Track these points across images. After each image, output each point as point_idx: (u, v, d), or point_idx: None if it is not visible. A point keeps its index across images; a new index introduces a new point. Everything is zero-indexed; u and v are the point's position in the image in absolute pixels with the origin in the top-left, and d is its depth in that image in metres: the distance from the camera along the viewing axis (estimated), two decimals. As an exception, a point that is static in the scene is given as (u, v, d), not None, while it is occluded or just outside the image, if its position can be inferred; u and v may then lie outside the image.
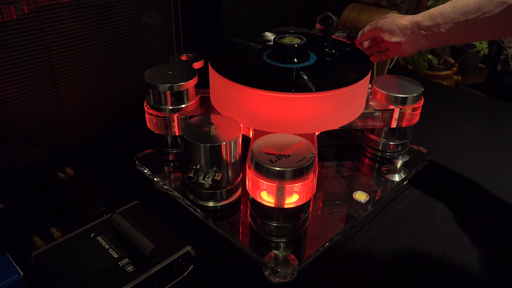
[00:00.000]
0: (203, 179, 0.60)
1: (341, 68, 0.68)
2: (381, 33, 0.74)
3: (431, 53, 1.64)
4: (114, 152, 0.83)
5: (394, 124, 0.72)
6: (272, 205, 0.57)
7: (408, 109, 0.71)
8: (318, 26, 0.82)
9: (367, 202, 0.67)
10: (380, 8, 0.95)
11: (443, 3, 1.47)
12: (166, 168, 0.74)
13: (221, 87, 0.65)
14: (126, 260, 0.55)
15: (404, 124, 0.72)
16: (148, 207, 0.65)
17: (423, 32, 0.69)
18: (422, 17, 0.69)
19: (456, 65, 1.67)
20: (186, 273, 0.59)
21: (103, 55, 0.86)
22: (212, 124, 0.62)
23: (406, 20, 0.71)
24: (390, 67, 1.22)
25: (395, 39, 0.72)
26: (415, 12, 1.61)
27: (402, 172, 0.74)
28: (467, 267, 0.62)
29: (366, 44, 0.79)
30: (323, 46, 0.70)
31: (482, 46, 1.54)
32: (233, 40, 0.76)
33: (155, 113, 0.69)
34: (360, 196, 0.68)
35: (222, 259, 0.62)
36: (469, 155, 0.87)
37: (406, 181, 0.75)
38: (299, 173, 0.54)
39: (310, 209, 0.63)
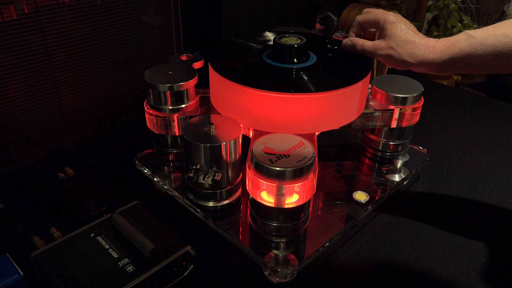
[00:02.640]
0: (203, 179, 0.60)
1: (341, 68, 0.68)
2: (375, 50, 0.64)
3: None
4: (114, 152, 0.83)
5: (394, 124, 0.72)
6: (272, 205, 0.57)
7: (408, 109, 0.71)
8: (318, 26, 0.82)
9: (367, 202, 0.67)
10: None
11: (443, 2, 1.47)
12: (166, 168, 0.74)
13: (221, 87, 0.65)
14: (126, 260, 0.55)
15: (404, 124, 0.72)
16: (148, 207, 0.65)
17: (431, 67, 0.60)
18: (436, 55, 0.58)
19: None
20: (186, 273, 0.59)
21: (103, 55, 0.86)
22: (212, 124, 0.62)
23: (413, 57, 0.60)
24: (390, 67, 1.21)
25: (390, 64, 0.64)
26: (414, 12, 1.61)
27: (402, 172, 0.74)
28: (467, 267, 0.62)
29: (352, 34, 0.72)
30: (325, 43, 0.70)
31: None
32: (233, 40, 0.76)
33: (155, 113, 0.69)
34: (360, 196, 0.68)
35: (222, 259, 0.62)
36: (469, 155, 0.87)
37: (406, 181, 0.75)
38: (299, 173, 0.54)
39: (310, 209, 0.63)
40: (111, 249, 0.57)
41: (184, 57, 0.77)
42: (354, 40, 0.68)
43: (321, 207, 0.68)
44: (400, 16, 0.66)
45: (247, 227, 0.63)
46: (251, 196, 0.59)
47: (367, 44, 0.66)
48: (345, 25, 0.93)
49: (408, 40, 0.61)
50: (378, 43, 0.64)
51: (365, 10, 0.70)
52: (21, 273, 0.53)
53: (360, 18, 0.69)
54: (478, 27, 0.63)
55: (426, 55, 0.59)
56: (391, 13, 0.66)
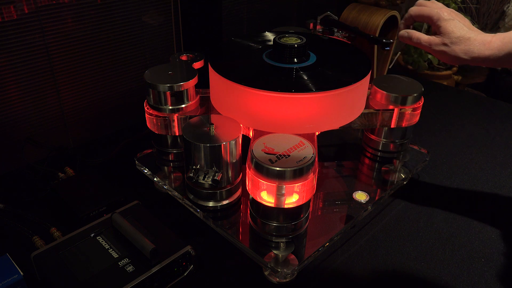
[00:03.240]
0: (203, 179, 0.60)
1: (341, 68, 0.68)
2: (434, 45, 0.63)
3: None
4: (114, 152, 0.84)
5: (394, 124, 0.72)
6: (272, 205, 0.57)
7: (408, 109, 0.71)
8: (318, 27, 0.82)
9: (367, 202, 0.67)
10: (380, 8, 0.95)
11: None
12: (166, 168, 0.74)
13: (221, 87, 0.65)
14: (126, 260, 0.55)
15: (404, 124, 0.72)
16: (148, 207, 0.65)
17: (486, 63, 0.60)
18: (492, 51, 0.58)
19: (456, 65, 1.67)
20: (186, 273, 0.59)
21: (103, 55, 0.86)
22: (212, 124, 0.62)
23: (467, 54, 0.60)
24: (390, 67, 1.22)
25: (445, 60, 0.64)
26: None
27: (402, 172, 0.74)
28: (467, 267, 0.62)
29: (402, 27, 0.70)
30: (374, 38, 0.69)
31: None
32: (233, 40, 0.76)
33: (155, 113, 0.69)
34: (360, 196, 0.68)
35: (222, 259, 0.62)
36: (469, 155, 0.87)
37: (406, 181, 0.75)
38: (299, 173, 0.54)
39: (310, 209, 0.63)
40: (111, 249, 0.57)
41: (184, 57, 0.77)
42: (410, 32, 0.67)
43: (321, 207, 0.68)
44: (454, 12, 0.65)
45: (247, 227, 0.63)
46: (251, 196, 0.59)
47: (423, 38, 0.65)
48: (345, 25, 0.93)
49: (463, 37, 0.61)
50: (433, 39, 0.64)
51: (419, 2, 0.69)
52: (21, 273, 0.53)
53: (413, 11, 0.68)
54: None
55: (482, 52, 0.59)
56: (444, 9, 0.65)
